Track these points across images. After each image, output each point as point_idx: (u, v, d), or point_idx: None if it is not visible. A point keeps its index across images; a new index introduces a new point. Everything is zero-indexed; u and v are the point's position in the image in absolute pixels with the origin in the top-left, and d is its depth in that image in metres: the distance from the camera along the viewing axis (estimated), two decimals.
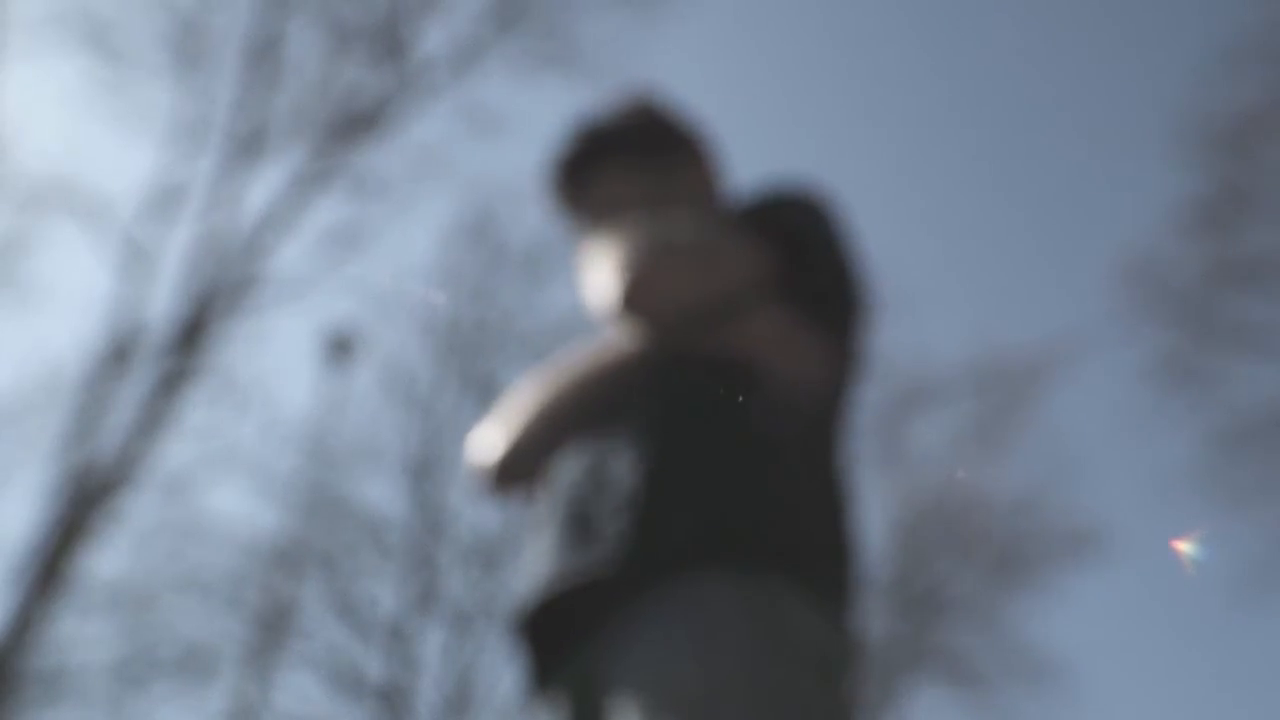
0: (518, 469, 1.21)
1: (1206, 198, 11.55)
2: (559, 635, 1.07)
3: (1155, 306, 11.85)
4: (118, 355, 9.89)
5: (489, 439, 1.23)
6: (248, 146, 10.93)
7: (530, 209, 13.49)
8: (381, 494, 12.39)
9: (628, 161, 1.32)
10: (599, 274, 1.16)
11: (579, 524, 1.06)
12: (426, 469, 12.52)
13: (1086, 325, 20.09)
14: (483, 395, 12.54)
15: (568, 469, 1.13)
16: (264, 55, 11.12)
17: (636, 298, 1.10)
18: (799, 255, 1.17)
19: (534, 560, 1.10)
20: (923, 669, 13.42)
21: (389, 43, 11.55)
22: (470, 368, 12.93)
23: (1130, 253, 12.25)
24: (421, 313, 13.01)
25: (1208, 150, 11.53)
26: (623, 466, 1.07)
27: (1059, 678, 13.47)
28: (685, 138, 1.36)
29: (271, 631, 8.34)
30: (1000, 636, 13.72)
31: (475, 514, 12.29)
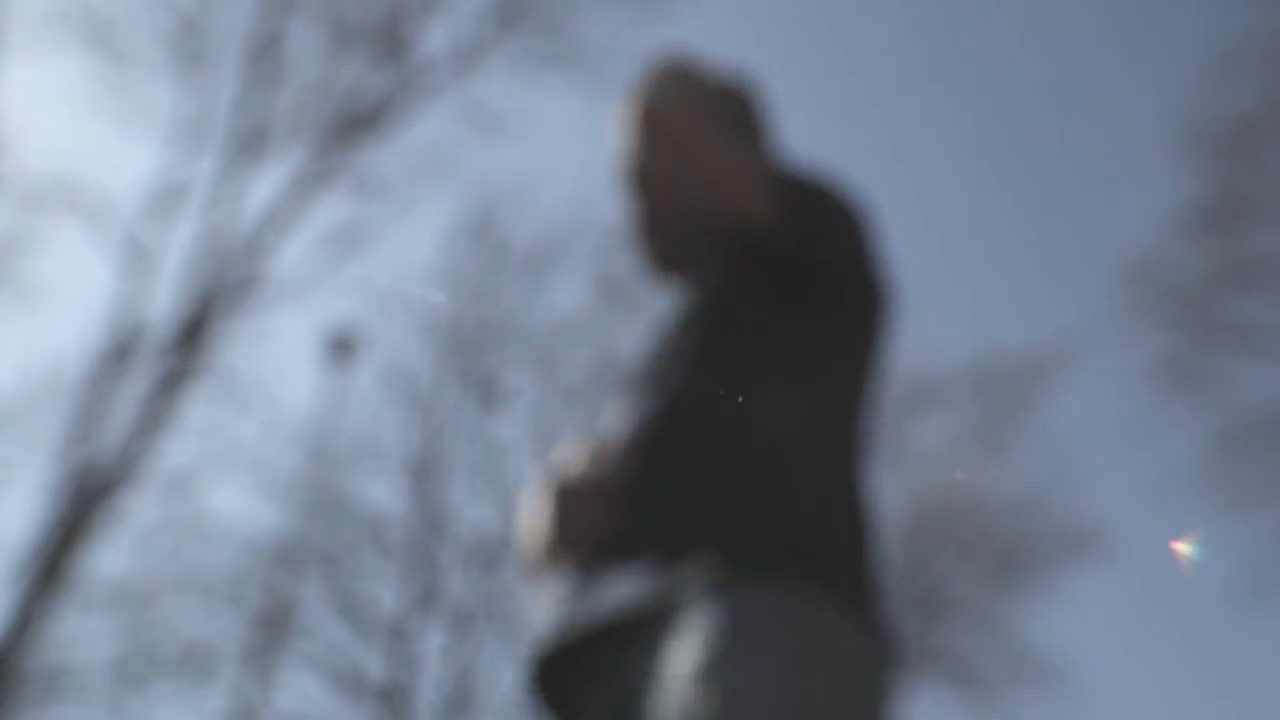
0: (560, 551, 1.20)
1: (1207, 200, 11.56)
2: (583, 670, 1.07)
3: (1156, 308, 11.87)
4: (119, 354, 9.89)
5: (535, 522, 1.20)
6: (249, 146, 10.93)
7: (531, 210, 13.48)
8: (382, 493, 12.39)
9: (704, 97, 1.38)
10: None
11: (619, 543, 1.07)
12: (427, 468, 12.53)
13: (1088, 326, 20.08)
14: (484, 395, 12.55)
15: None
16: (265, 54, 11.13)
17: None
18: (812, 235, 1.18)
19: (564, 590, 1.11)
20: (924, 670, 13.42)
21: (390, 42, 11.55)
22: (471, 367, 12.94)
23: (1132, 254, 12.27)
24: (423, 312, 13.01)
25: (1209, 153, 11.55)
26: (656, 481, 1.08)
27: (1060, 678, 13.48)
28: (759, 112, 1.42)
29: (272, 630, 8.34)
30: (1001, 637, 13.73)
31: (476, 514, 12.31)
